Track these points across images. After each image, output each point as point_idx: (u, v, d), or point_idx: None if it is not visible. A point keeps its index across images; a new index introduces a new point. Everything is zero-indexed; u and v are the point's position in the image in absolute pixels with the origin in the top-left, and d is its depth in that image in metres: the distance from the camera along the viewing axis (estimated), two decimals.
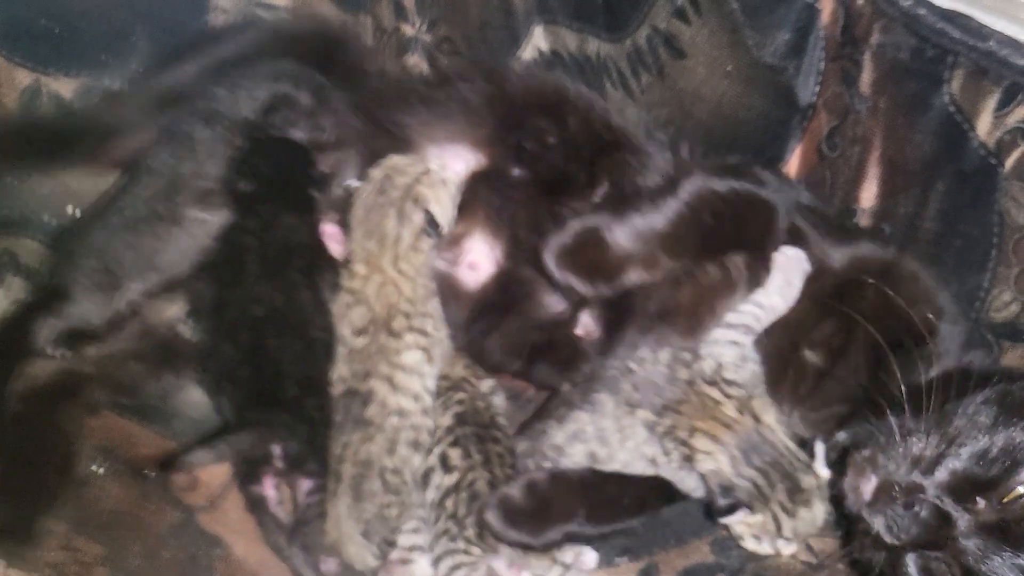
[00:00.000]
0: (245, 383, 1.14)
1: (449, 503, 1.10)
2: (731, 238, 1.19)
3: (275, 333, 1.16)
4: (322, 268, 1.23)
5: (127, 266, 1.23)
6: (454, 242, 1.31)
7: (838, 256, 1.17)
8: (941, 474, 0.94)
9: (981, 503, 0.93)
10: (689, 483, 1.08)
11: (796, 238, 1.18)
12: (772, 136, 1.40)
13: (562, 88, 1.37)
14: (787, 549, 1.03)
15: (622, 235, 1.17)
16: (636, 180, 1.27)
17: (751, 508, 1.01)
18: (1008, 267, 1.17)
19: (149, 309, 1.26)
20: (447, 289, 1.28)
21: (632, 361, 1.11)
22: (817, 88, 1.35)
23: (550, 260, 1.17)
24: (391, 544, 1.10)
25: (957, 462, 0.94)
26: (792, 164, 1.40)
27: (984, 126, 1.18)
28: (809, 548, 1.12)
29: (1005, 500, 0.92)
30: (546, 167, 1.31)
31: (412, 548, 1.11)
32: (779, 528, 1.02)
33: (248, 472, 1.12)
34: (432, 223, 1.21)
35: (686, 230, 1.17)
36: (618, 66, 1.50)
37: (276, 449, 1.11)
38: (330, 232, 1.26)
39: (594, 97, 1.38)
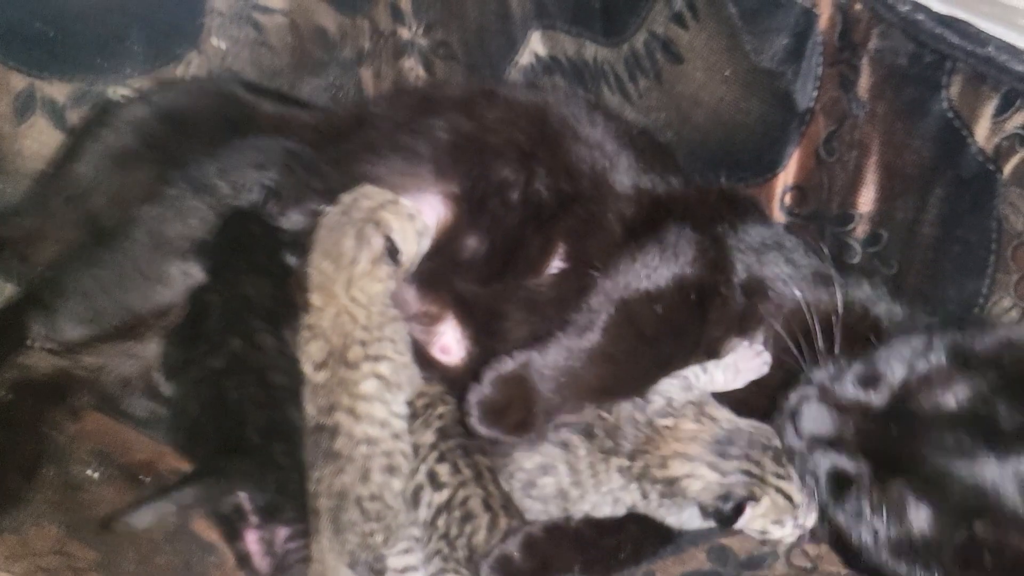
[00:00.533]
0: (210, 439, 1.12)
1: (441, 522, 1.09)
2: (680, 345, 1.13)
3: (235, 384, 1.13)
4: (285, 315, 1.21)
5: (110, 315, 1.23)
6: (431, 320, 1.29)
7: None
8: (830, 377, 1.02)
9: (872, 395, 0.98)
10: (673, 519, 1.08)
11: (754, 293, 1.15)
12: (770, 141, 1.39)
13: (541, 118, 1.33)
14: (810, 520, 1.03)
15: (549, 381, 1.09)
16: (589, 244, 1.25)
17: (755, 497, 1.00)
18: (1007, 273, 1.16)
19: (142, 343, 1.25)
20: (423, 357, 1.25)
21: (603, 408, 1.10)
22: (815, 93, 1.35)
23: (474, 421, 1.08)
24: (380, 572, 1.09)
25: (848, 370, 1.01)
26: (790, 169, 1.40)
27: (982, 132, 1.17)
28: (804, 553, 1.12)
29: (896, 388, 0.97)
30: (502, 235, 1.28)
31: (405, 569, 1.10)
32: (790, 498, 1.01)
33: (229, 531, 1.10)
34: (392, 251, 1.19)
35: (618, 367, 1.11)
36: (616, 71, 1.50)
37: (246, 503, 1.08)
38: None
39: (569, 125, 1.33)
